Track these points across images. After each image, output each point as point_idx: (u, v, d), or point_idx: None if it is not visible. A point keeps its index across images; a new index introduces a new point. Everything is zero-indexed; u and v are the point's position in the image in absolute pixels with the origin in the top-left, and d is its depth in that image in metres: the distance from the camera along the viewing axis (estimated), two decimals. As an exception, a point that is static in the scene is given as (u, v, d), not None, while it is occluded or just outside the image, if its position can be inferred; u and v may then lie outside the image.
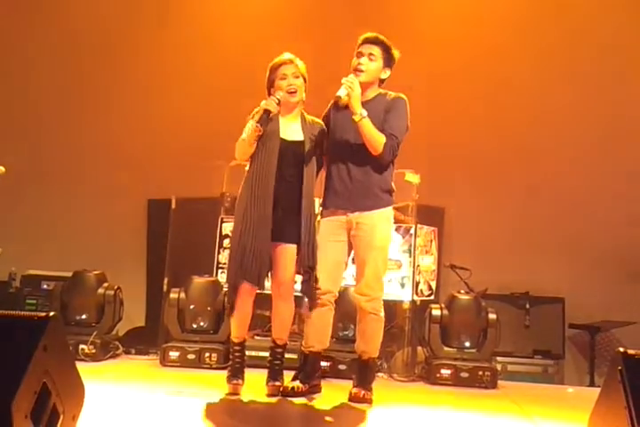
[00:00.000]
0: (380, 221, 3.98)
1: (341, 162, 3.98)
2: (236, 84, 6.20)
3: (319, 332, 4.05)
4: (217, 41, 6.75)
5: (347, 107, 3.87)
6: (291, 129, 3.94)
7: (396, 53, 4.00)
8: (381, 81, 4.03)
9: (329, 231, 3.98)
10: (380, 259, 4.00)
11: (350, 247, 4.03)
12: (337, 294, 4.05)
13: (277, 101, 3.83)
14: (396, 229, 5.36)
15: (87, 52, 6.80)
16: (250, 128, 3.78)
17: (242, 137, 3.81)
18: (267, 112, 3.76)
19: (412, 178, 5.29)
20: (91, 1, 7.07)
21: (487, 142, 6.59)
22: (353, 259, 4.17)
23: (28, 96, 6.76)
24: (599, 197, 6.51)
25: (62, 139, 6.73)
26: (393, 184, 4.06)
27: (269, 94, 3.94)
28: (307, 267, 3.89)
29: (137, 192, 6.61)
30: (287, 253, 3.89)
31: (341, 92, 3.82)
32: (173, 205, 5.85)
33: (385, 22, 6.46)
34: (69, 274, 5.37)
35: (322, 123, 4.05)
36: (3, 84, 6.80)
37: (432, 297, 5.60)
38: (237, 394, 3.89)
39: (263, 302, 4.19)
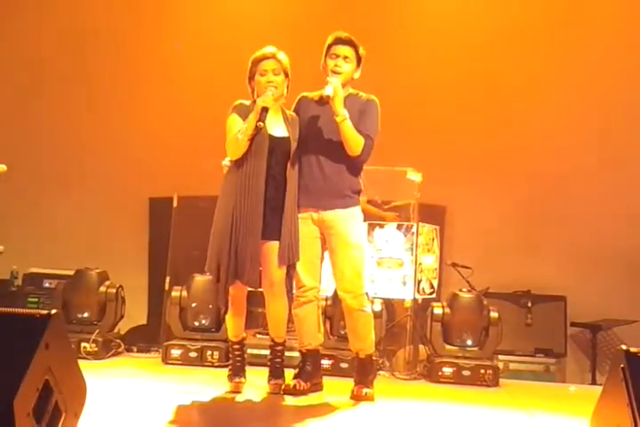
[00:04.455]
0: (352, 219, 3.98)
1: (315, 159, 3.96)
2: (235, 82, 6.19)
3: (311, 328, 4.05)
4: (218, 39, 6.74)
5: (326, 103, 3.85)
6: (275, 125, 3.90)
7: (363, 53, 3.99)
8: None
9: (303, 228, 3.94)
10: (359, 255, 3.98)
11: (324, 242, 4.01)
12: (320, 289, 4.06)
13: (272, 97, 3.79)
14: (398, 228, 5.36)
15: (89, 51, 6.80)
16: (247, 127, 3.74)
17: (237, 135, 3.75)
18: (265, 109, 3.73)
19: (414, 176, 5.29)
20: (91, 1, 7.07)
21: (489, 140, 6.58)
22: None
23: (29, 95, 6.76)
24: (601, 195, 6.50)
25: (64, 137, 6.72)
26: (362, 184, 4.06)
27: (250, 86, 3.92)
28: (287, 264, 3.84)
29: (138, 190, 6.60)
30: (276, 250, 3.82)
31: (328, 91, 3.80)
32: (175, 204, 5.84)
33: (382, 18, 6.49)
34: (71, 272, 5.37)
35: (297, 117, 4.00)
36: (4, 84, 6.79)
37: (434, 295, 5.59)
38: (239, 392, 3.89)
39: (263, 299, 4.17)
